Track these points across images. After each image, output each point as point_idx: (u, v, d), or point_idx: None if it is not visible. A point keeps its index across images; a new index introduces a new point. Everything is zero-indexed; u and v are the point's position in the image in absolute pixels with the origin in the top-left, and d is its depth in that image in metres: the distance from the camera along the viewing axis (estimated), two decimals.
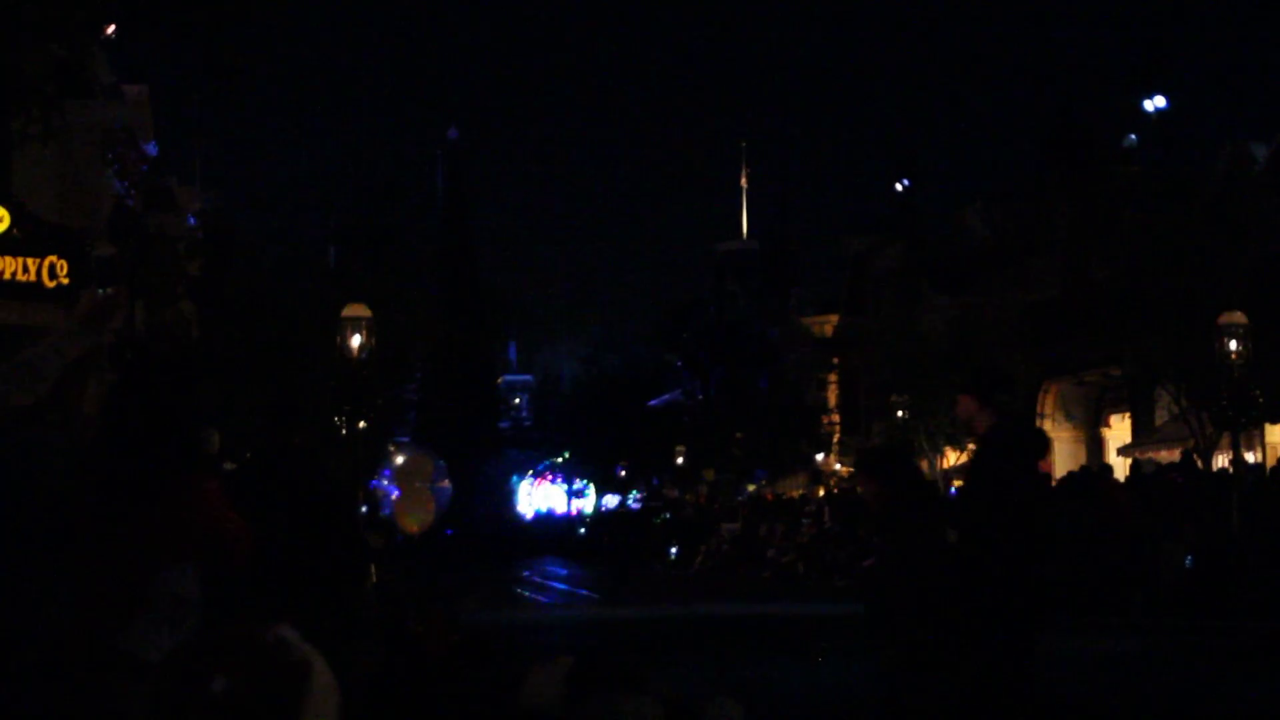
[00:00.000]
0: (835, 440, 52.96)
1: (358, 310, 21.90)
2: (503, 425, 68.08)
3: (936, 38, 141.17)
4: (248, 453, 20.48)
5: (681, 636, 19.72)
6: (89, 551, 4.71)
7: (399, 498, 17.56)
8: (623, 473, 71.37)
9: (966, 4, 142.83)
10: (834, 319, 56.12)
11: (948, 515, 9.71)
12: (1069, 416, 40.23)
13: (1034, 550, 8.42)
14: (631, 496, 66.07)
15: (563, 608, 29.08)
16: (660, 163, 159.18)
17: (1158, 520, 21.82)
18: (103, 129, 29.96)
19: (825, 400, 54.74)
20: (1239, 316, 21.62)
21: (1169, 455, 29.48)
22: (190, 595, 4.68)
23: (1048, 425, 40.27)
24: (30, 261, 20.91)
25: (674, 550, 44.69)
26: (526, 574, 40.57)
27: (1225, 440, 24.00)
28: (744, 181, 76.77)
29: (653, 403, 70.31)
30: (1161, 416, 33.66)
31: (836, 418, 53.97)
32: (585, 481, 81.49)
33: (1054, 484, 26.59)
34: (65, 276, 20.69)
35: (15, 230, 21.09)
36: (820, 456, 51.82)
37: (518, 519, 66.38)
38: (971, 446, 10.40)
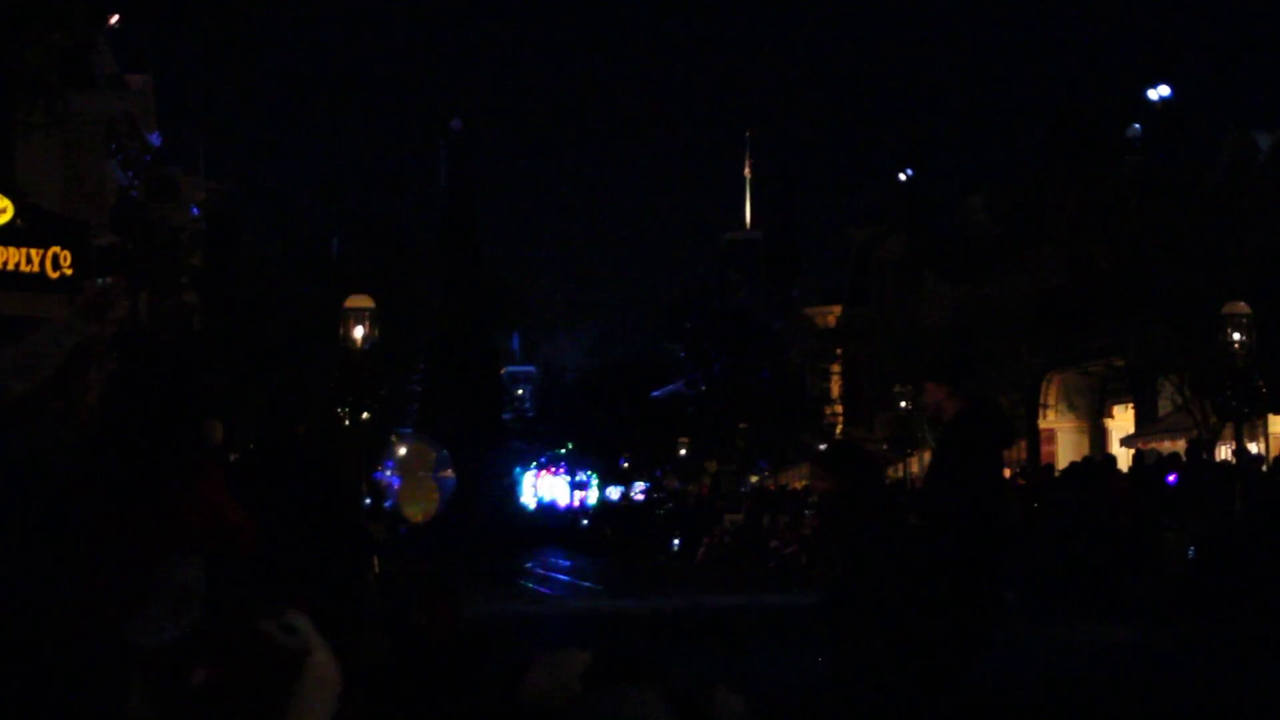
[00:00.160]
0: (838, 431, 52.94)
1: (361, 301, 21.87)
2: (506, 416, 68.02)
3: (940, 28, 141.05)
4: (251, 443, 20.51)
5: (684, 628, 19.73)
6: (93, 542, 4.71)
7: (402, 488, 17.55)
8: (626, 464, 71.40)
9: None
10: (837, 309, 56.08)
11: (908, 504, 9.85)
12: (1072, 406, 40.21)
13: (994, 536, 8.39)
14: (634, 488, 66.09)
15: (565, 599, 29.09)
16: (664, 153, 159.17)
17: (1160, 511, 21.81)
18: (106, 119, 29.98)
19: (828, 391, 54.71)
20: (1243, 307, 21.59)
21: (1172, 445, 29.46)
22: (195, 585, 4.68)
23: (1051, 415, 40.29)
24: (34, 252, 20.93)
25: (677, 542, 44.70)
26: (529, 565, 40.58)
27: (1228, 431, 23.98)
28: (748, 172, 76.86)
29: (656, 394, 70.31)
30: (1165, 407, 33.62)
31: (840, 408, 53.95)
32: (588, 473, 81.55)
33: (1057, 474, 26.60)
34: (69, 267, 20.70)
35: (19, 221, 21.10)
36: (823, 447, 51.78)
37: (521, 510, 66.38)
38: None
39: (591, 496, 78.69)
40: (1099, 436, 39.33)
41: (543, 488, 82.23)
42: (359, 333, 21.57)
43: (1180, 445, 27.89)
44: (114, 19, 19.49)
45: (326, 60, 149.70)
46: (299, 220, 35.49)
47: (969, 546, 8.25)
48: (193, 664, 2.31)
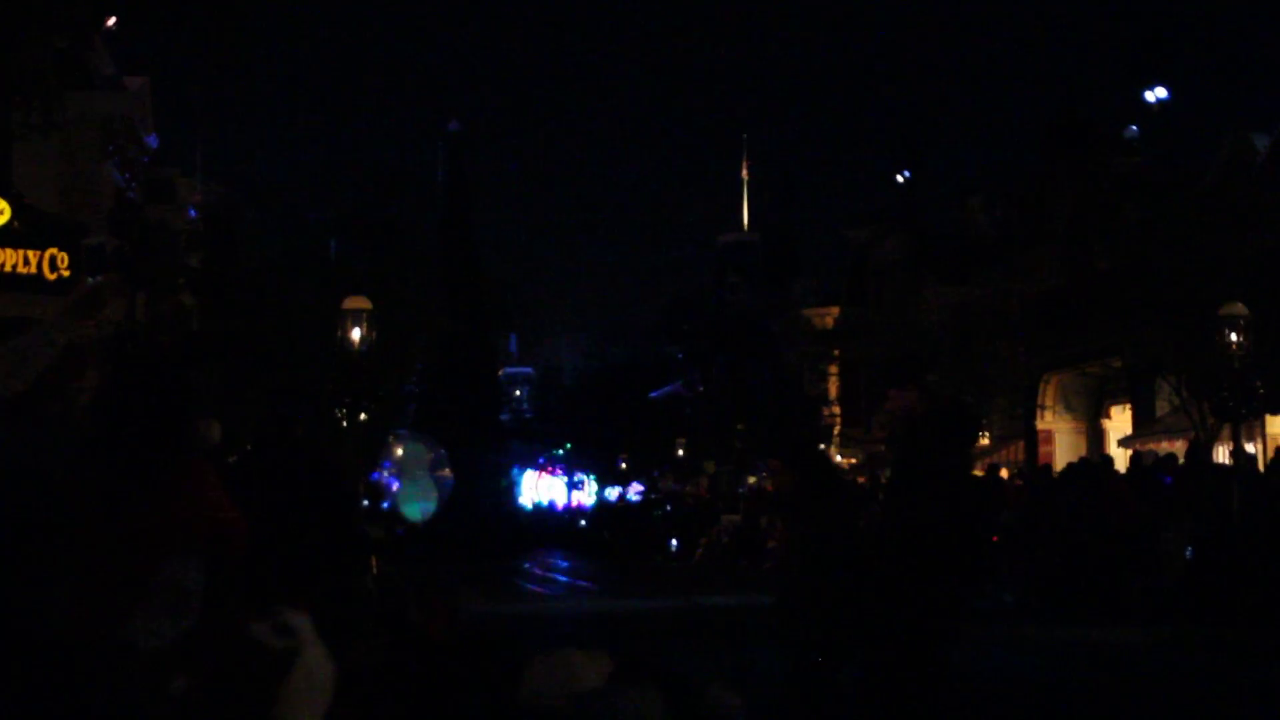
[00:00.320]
0: (836, 432, 52.96)
1: (358, 303, 21.88)
2: (503, 417, 68.00)
3: (938, 29, 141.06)
4: (248, 444, 20.50)
5: (682, 628, 19.74)
6: (88, 543, 4.71)
7: (400, 488, 17.56)
8: (624, 465, 71.37)
9: None
10: (835, 311, 56.12)
11: (861, 503, 9.95)
12: (1070, 407, 40.24)
13: (963, 534, 8.35)
14: (632, 488, 66.07)
15: (563, 599, 29.09)
16: (662, 155, 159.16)
17: (1158, 511, 21.82)
18: (103, 121, 29.99)
19: (826, 392, 54.73)
20: (1240, 308, 21.60)
21: (1170, 446, 29.48)
22: (193, 586, 4.68)
23: (1049, 416, 40.32)
24: (31, 254, 20.93)
25: (674, 542, 44.69)
26: (527, 566, 40.57)
27: (1226, 431, 23.99)
28: (745, 173, 76.82)
29: (653, 395, 70.29)
30: (1162, 408, 33.64)
31: (837, 409, 53.96)
32: (586, 474, 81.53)
33: (1055, 475, 26.61)
34: (66, 268, 20.70)
35: (16, 223, 21.11)
36: (821, 448, 51.83)
37: (519, 511, 66.34)
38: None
39: (589, 497, 78.67)
40: (1097, 437, 39.36)
41: (541, 488, 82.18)
42: (356, 334, 21.58)
43: (1178, 446, 27.91)
44: (111, 21, 19.48)
45: (324, 62, 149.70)
46: (297, 222, 35.44)
47: (938, 543, 8.20)
48: (175, 669, 2.31)
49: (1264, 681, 13.34)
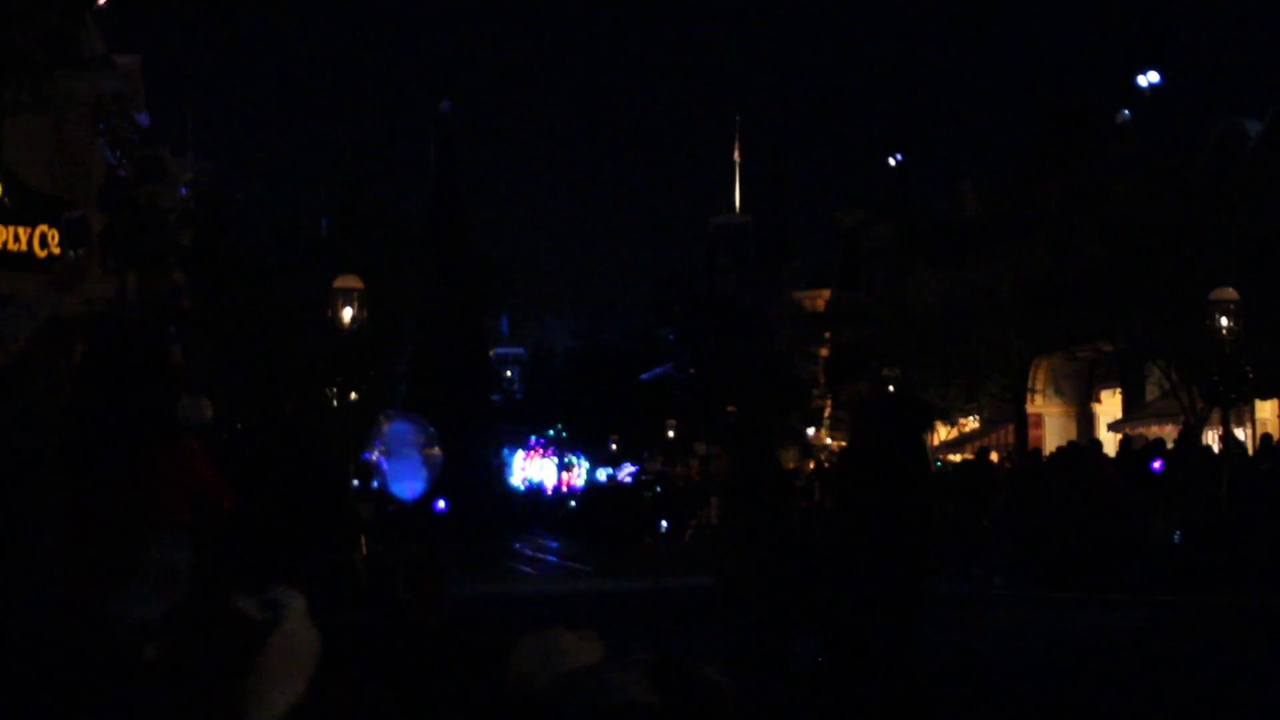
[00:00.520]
0: (826, 415, 52.98)
1: (350, 282, 21.87)
2: (494, 398, 68.02)
3: (930, 13, 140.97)
4: (238, 424, 20.48)
5: (672, 608, 19.75)
6: (73, 521, 4.70)
7: (390, 467, 17.53)
8: (614, 446, 71.42)
9: None
10: (826, 293, 56.14)
11: (798, 491, 10.05)
12: (1059, 391, 40.29)
13: (913, 520, 8.31)
14: (623, 470, 66.12)
15: (553, 580, 29.12)
16: (654, 136, 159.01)
17: (1147, 496, 21.86)
18: (94, 99, 29.89)
19: (816, 374, 54.74)
20: (1230, 292, 21.63)
21: (1159, 431, 29.54)
22: (180, 562, 4.67)
23: (1039, 400, 40.37)
24: (21, 231, 20.92)
25: (664, 524, 44.76)
26: (517, 546, 40.61)
27: (1216, 416, 24.04)
28: (737, 155, 76.68)
29: (644, 376, 70.31)
30: (1152, 392, 33.71)
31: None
32: (576, 455, 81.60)
33: (1045, 458, 26.65)
34: (56, 246, 20.68)
35: (6, 200, 21.08)
36: (811, 431, 51.89)
37: (509, 492, 66.41)
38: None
39: (579, 478, 78.73)
40: (1086, 421, 39.43)
41: (531, 469, 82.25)
42: (348, 313, 21.57)
43: (1168, 430, 27.98)
44: None
45: (316, 41, 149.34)
46: (288, 201, 35.44)
47: (889, 530, 8.16)
48: (147, 637, 2.31)
49: (1252, 664, 13.38)
